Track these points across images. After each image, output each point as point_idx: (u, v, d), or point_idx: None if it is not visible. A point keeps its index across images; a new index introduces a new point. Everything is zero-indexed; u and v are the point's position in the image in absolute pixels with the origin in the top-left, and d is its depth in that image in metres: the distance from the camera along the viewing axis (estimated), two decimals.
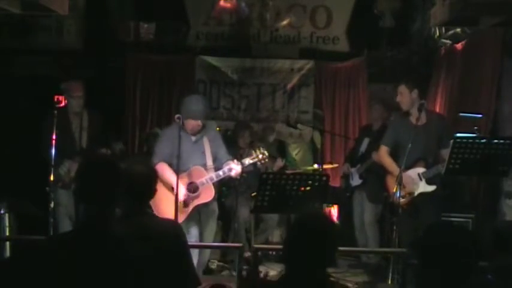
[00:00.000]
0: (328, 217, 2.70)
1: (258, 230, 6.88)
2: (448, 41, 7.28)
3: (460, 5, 5.33)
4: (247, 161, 5.48)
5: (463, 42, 6.86)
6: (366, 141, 6.72)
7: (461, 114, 6.11)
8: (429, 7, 6.96)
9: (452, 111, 6.70)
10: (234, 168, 5.36)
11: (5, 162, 6.68)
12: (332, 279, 2.65)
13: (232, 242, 6.33)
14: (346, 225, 6.90)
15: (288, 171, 6.49)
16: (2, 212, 5.66)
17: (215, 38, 8.21)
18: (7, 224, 5.68)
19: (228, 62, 8.11)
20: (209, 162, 5.46)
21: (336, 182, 7.43)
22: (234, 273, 4.77)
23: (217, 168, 5.45)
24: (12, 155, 6.92)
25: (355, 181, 6.71)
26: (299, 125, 7.55)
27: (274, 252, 6.54)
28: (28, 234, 4.89)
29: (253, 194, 5.97)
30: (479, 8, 5.32)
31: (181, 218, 5.21)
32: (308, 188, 4.86)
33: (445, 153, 5.16)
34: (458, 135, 5.24)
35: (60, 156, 5.57)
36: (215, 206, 5.67)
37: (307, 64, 8.08)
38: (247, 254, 5.78)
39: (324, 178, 5.04)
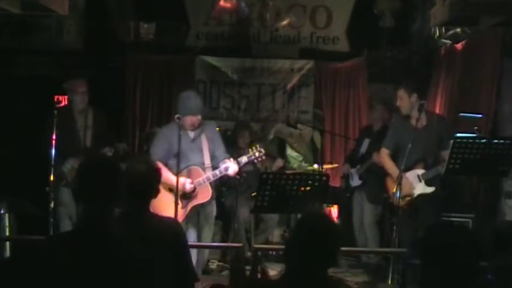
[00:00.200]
0: (330, 217, 2.69)
1: (258, 230, 6.88)
2: (448, 41, 7.28)
3: (460, 5, 5.33)
4: (244, 159, 5.46)
5: (463, 42, 6.86)
6: (366, 142, 6.72)
7: (461, 114, 6.11)
8: (429, 7, 6.96)
9: (452, 111, 6.69)
10: (231, 167, 5.35)
11: (5, 162, 6.69)
12: (334, 278, 2.66)
13: (232, 242, 6.33)
14: (346, 225, 6.91)
15: (288, 171, 6.49)
16: (2, 212, 5.67)
17: (215, 38, 8.21)
18: (7, 224, 5.69)
19: (228, 62, 8.11)
20: (207, 161, 5.44)
21: (336, 182, 7.43)
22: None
23: (214, 167, 5.43)
24: (12, 155, 6.92)
25: (355, 182, 6.71)
26: (299, 125, 7.55)
27: (274, 252, 6.53)
28: (28, 234, 4.89)
29: (253, 194, 5.97)
30: (479, 8, 5.32)
31: (179, 219, 5.20)
32: (308, 188, 4.86)
33: (445, 154, 5.15)
34: (458, 135, 5.24)
35: (64, 154, 5.58)
36: (213, 207, 5.64)
37: (307, 64, 8.08)
38: (248, 254, 5.78)
39: (324, 178, 5.04)
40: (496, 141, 5.05)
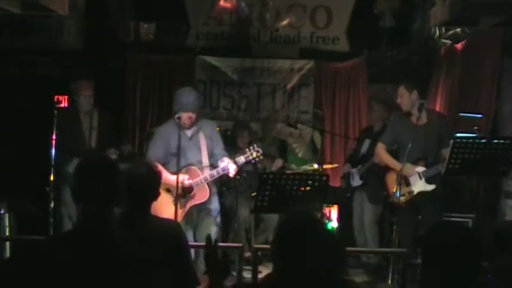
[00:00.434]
0: (315, 217, 2.67)
1: (258, 230, 6.88)
2: (448, 41, 7.28)
3: (460, 5, 5.34)
4: (242, 159, 5.45)
5: (463, 42, 6.86)
6: (367, 143, 6.72)
7: (461, 114, 6.11)
8: (429, 7, 6.96)
9: (452, 111, 6.69)
10: (230, 167, 5.34)
11: (5, 162, 6.69)
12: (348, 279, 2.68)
13: (232, 242, 6.33)
14: (346, 225, 6.90)
15: (288, 171, 6.49)
16: (2, 212, 5.67)
17: (215, 38, 8.21)
18: (7, 224, 5.69)
19: (228, 62, 8.11)
20: (205, 159, 5.43)
21: (336, 182, 7.42)
22: (234, 273, 4.76)
23: (213, 165, 5.42)
24: (12, 155, 6.92)
25: (356, 181, 6.71)
26: (299, 125, 7.55)
27: None
28: (28, 234, 4.89)
29: (253, 194, 5.96)
30: (479, 8, 5.33)
31: (178, 219, 5.19)
32: (308, 188, 4.87)
33: (446, 152, 5.16)
34: (458, 135, 5.24)
35: (69, 155, 5.60)
36: (214, 203, 5.61)
37: (307, 64, 8.08)
38: (248, 254, 5.78)
39: (324, 178, 5.04)
40: (496, 141, 5.06)
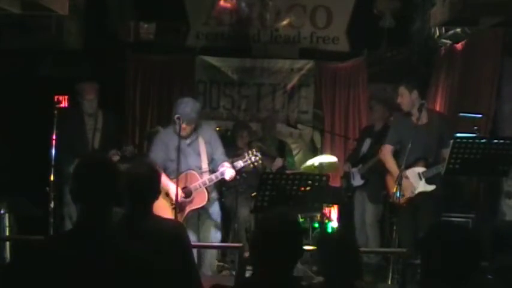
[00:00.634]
0: (289, 218, 2.67)
1: None
2: (448, 41, 7.28)
3: (460, 5, 5.34)
4: (240, 163, 5.44)
5: (463, 42, 6.86)
6: (367, 142, 6.72)
7: (461, 114, 6.11)
8: (429, 7, 6.96)
9: (452, 111, 6.69)
10: (227, 171, 5.33)
11: (5, 162, 6.69)
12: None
13: (232, 242, 6.33)
14: (347, 225, 6.90)
15: (288, 171, 6.48)
16: (2, 212, 5.68)
17: (215, 38, 8.21)
18: (7, 224, 5.70)
19: (228, 62, 8.11)
20: (204, 164, 5.43)
21: (336, 182, 7.42)
22: (234, 273, 4.77)
23: (212, 171, 5.43)
24: (12, 155, 6.92)
25: (357, 181, 6.71)
26: (299, 125, 7.54)
27: None
28: (28, 234, 4.89)
29: (253, 194, 5.96)
30: (479, 8, 5.33)
31: None
32: (308, 188, 4.87)
33: (446, 152, 5.16)
34: (458, 135, 5.24)
35: (73, 155, 5.61)
36: (215, 208, 5.62)
37: (307, 64, 8.08)
38: (248, 254, 5.77)
39: (324, 178, 5.04)
40: (496, 141, 5.06)
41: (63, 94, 5.97)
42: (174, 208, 5.16)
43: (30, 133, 6.80)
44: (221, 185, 6.51)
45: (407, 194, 5.41)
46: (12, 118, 7.13)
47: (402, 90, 5.57)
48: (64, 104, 5.74)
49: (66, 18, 6.89)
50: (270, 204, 4.87)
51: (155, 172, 3.31)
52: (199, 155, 5.42)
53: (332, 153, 7.96)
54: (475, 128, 5.38)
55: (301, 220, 7.22)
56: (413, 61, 7.86)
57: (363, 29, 7.97)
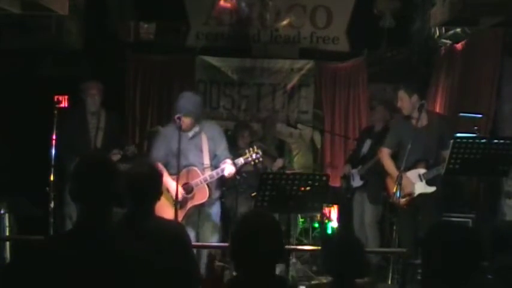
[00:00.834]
0: (265, 217, 2.65)
1: None
2: (448, 41, 7.28)
3: (460, 5, 5.34)
4: (241, 160, 5.44)
5: (463, 42, 6.86)
6: (367, 143, 6.71)
7: (461, 114, 6.11)
8: (429, 7, 6.96)
9: (452, 111, 6.70)
10: (227, 168, 5.33)
11: (5, 162, 6.69)
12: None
13: None
14: (346, 225, 6.90)
15: (288, 171, 6.48)
16: (2, 212, 5.68)
17: (215, 38, 8.21)
18: (7, 224, 5.70)
19: (228, 62, 8.11)
20: (206, 160, 5.42)
21: (336, 182, 7.42)
22: (235, 273, 4.76)
23: (215, 167, 5.43)
24: (12, 155, 6.92)
25: (357, 182, 6.70)
26: (299, 125, 7.54)
27: None
28: (28, 234, 4.89)
29: (253, 194, 5.96)
30: (479, 8, 5.33)
31: (178, 219, 5.19)
32: (308, 188, 4.86)
33: (446, 154, 5.15)
34: (458, 135, 5.24)
35: (75, 154, 5.61)
36: (214, 208, 5.61)
37: (307, 64, 8.08)
38: None
39: (324, 178, 5.04)
40: (496, 141, 5.05)
41: (63, 94, 5.95)
42: (175, 204, 5.15)
43: (30, 133, 6.80)
44: (221, 185, 6.51)
45: (408, 190, 5.41)
46: (12, 118, 7.13)
47: (402, 94, 5.55)
48: (64, 104, 5.73)
49: (66, 18, 6.90)
50: (270, 204, 4.87)
51: (156, 172, 3.31)
52: (201, 150, 5.41)
53: (332, 153, 7.99)
54: (475, 128, 5.38)
55: (301, 220, 7.26)
56: (413, 61, 7.86)
57: (363, 29, 7.97)
